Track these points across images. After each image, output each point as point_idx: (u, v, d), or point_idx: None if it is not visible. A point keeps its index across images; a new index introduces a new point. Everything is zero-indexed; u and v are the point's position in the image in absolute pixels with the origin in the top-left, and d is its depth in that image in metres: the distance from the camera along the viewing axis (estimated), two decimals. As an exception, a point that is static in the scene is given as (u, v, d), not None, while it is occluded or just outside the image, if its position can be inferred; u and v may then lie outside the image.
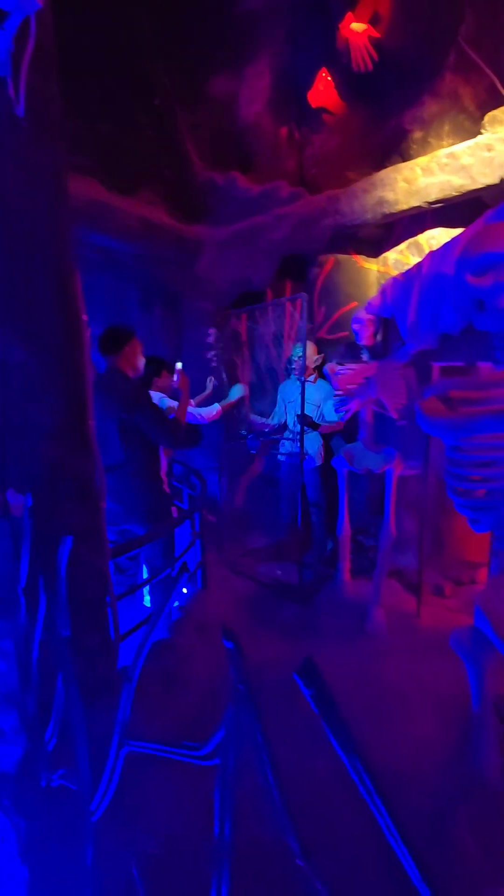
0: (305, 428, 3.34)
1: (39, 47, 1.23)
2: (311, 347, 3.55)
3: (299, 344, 3.54)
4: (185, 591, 2.49)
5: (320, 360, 3.60)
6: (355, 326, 3.10)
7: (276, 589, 3.37)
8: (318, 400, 3.52)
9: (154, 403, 2.35)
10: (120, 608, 2.39)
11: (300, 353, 3.44)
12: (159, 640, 2.19)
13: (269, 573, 3.59)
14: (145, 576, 2.69)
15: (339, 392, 2.98)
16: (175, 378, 2.68)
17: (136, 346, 2.39)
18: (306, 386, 3.51)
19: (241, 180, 3.87)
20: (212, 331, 4.10)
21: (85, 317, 1.49)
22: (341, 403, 3.01)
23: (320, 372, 3.62)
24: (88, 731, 0.98)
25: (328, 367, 3.07)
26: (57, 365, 1.35)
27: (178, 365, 2.74)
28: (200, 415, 3.25)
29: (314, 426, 3.41)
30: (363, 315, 3.04)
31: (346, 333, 3.63)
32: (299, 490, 3.29)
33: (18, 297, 1.27)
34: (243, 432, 3.80)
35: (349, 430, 3.59)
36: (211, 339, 4.14)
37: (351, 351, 3.63)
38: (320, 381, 3.58)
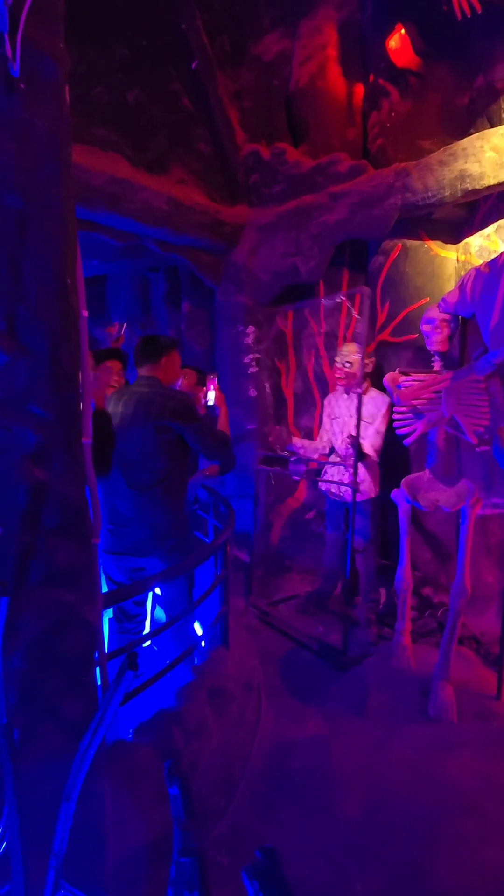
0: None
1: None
2: (358, 350, 3.45)
3: (349, 346, 3.43)
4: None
5: (371, 367, 3.50)
6: (426, 328, 2.99)
7: (316, 650, 3.26)
8: (369, 416, 3.42)
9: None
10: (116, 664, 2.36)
11: (350, 360, 3.34)
12: (163, 711, 2.12)
13: (308, 629, 3.50)
14: (150, 626, 2.66)
15: (403, 408, 2.87)
16: (209, 394, 2.73)
17: (175, 358, 2.52)
18: (353, 399, 3.41)
19: (291, 153, 3.88)
20: (251, 330, 4.09)
21: (85, 313, 1.48)
22: (405, 422, 2.90)
23: (372, 381, 3.51)
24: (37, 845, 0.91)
25: (389, 376, 2.97)
26: (47, 371, 1.33)
27: (213, 378, 2.77)
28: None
29: (362, 454, 3.28)
30: (436, 314, 2.94)
31: (415, 336, 3.53)
32: (349, 528, 3.18)
33: (4, 288, 1.26)
34: (286, 454, 3.72)
35: (414, 456, 3.45)
36: (249, 341, 4.13)
37: (419, 357, 3.50)
38: (373, 393, 3.48)
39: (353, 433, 3.09)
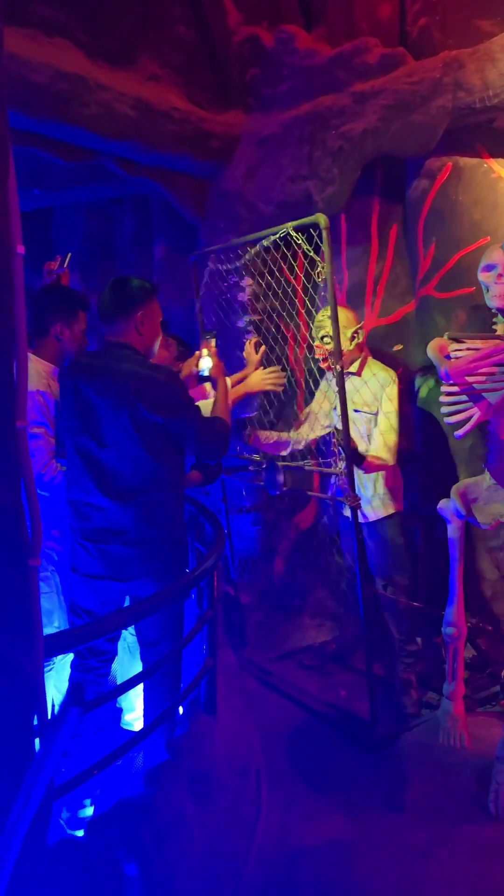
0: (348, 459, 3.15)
1: None
2: (344, 315, 3.32)
3: (325, 310, 3.32)
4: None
5: (360, 335, 3.42)
6: (485, 277, 3.00)
7: (336, 722, 3.29)
8: (368, 403, 3.37)
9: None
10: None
11: (323, 330, 3.27)
12: (128, 799, 2.12)
13: (325, 694, 3.53)
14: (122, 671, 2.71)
15: (455, 388, 2.88)
16: (202, 362, 2.80)
17: (153, 311, 2.54)
18: (351, 381, 3.36)
19: (303, 39, 3.89)
20: (247, 282, 4.09)
21: (21, 249, 1.48)
22: (457, 407, 2.90)
23: (371, 353, 3.51)
24: None
25: (435, 344, 2.97)
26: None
27: (210, 340, 2.84)
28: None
29: (357, 458, 3.17)
30: (500, 258, 2.94)
31: (472, 290, 3.54)
32: (356, 558, 3.20)
33: None
34: (255, 457, 3.68)
35: (469, 453, 3.46)
36: (245, 297, 4.14)
37: (476, 318, 3.51)
38: (373, 369, 3.41)
39: (345, 429, 3.02)
